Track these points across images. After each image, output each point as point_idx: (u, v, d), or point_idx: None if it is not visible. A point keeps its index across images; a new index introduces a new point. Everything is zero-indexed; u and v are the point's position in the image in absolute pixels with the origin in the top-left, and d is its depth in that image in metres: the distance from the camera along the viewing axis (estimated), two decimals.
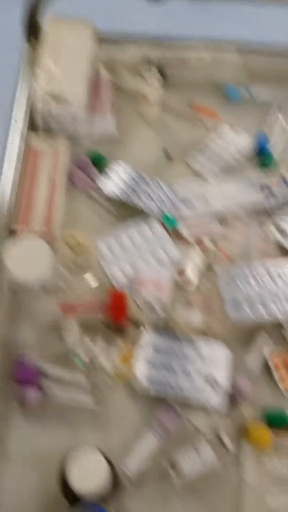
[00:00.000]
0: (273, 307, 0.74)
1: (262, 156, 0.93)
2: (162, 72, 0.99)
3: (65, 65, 0.88)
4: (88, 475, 0.54)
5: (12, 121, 0.88)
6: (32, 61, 0.92)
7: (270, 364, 0.72)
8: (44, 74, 0.86)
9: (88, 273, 0.75)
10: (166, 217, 0.84)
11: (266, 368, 0.73)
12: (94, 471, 0.54)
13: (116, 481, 0.58)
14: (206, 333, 0.75)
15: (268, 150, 0.93)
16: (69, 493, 0.56)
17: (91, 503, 0.53)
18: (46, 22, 0.93)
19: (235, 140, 0.94)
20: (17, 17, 0.94)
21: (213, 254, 0.82)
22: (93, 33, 0.94)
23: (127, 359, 0.69)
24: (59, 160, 0.85)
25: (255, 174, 0.90)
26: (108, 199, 0.85)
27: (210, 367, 0.71)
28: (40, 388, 0.68)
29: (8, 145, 0.85)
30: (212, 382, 0.70)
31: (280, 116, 0.97)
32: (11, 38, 1.05)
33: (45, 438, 0.66)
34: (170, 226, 0.83)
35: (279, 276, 0.78)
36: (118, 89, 0.99)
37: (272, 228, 0.84)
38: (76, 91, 0.86)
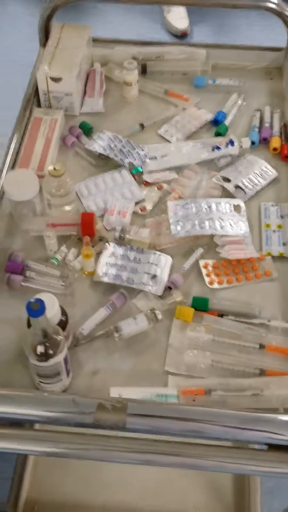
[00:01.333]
0: (206, 225, 0.96)
1: (218, 126, 1.16)
2: (144, 66, 1.25)
3: (63, 57, 1.16)
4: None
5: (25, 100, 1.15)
6: (42, 56, 1.20)
7: (200, 265, 0.94)
8: (46, 62, 1.14)
9: (67, 202, 0.99)
10: (135, 167, 1.08)
11: (199, 271, 0.94)
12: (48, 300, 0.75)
13: (65, 321, 0.80)
14: (154, 246, 0.97)
15: (222, 122, 1.16)
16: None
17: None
18: (54, 27, 1.22)
19: (198, 115, 1.18)
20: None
21: (168, 194, 1.05)
22: (89, 36, 1.22)
23: (88, 256, 0.92)
24: (54, 125, 1.11)
25: (210, 139, 1.13)
26: (91, 155, 1.11)
27: (154, 268, 0.93)
28: (24, 276, 0.91)
29: (18, 115, 1.12)
30: (153, 276, 0.92)
31: (236, 99, 1.21)
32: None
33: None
34: (136, 172, 1.07)
35: (216, 207, 1.00)
36: (109, 78, 1.26)
37: (219, 177, 1.06)
38: (69, 75, 1.13)
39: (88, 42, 1.22)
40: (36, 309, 0.67)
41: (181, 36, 2.38)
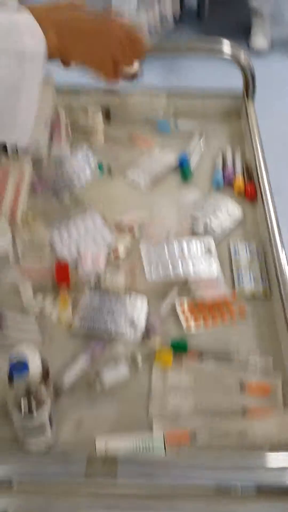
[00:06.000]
0: (180, 267, 0.98)
1: (182, 170, 1.20)
2: (107, 112, 1.29)
3: None
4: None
5: None
6: None
7: (177, 308, 0.95)
8: None
9: (40, 249, 1.00)
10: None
11: (176, 313, 0.96)
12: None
13: (47, 374, 0.79)
14: (129, 290, 0.98)
15: (187, 165, 1.20)
16: None
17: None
18: None
19: (163, 158, 1.22)
20: None
21: (140, 236, 1.07)
22: (54, 85, 1.25)
23: (65, 305, 0.92)
24: (23, 172, 1.12)
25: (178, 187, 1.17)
26: (60, 198, 1.12)
27: (130, 312, 0.94)
28: (1, 328, 0.91)
29: None
30: (131, 322, 0.93)
31: (198, 142, 1.26)
32: None
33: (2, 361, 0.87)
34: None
35: (188, 248, 1.02)
36: (74, 125, 1.28)
37: (188, 218, 1.09)
38: (37, 124, 1.14)
39: (53, 90, 1.25)
40: (19, 367, 0.66)
41: (132, 77, 2.47)
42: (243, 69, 1.25)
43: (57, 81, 1.27)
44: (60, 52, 0.77)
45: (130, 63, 0.86)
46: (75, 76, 1.88)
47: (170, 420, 0.82)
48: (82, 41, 0.78)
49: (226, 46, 1.23)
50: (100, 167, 1.14)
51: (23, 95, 0.73)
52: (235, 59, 1.23)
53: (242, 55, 1.23)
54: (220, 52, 1.22)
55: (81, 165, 1.16)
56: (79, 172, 1.14)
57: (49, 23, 0.74)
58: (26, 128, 0.79)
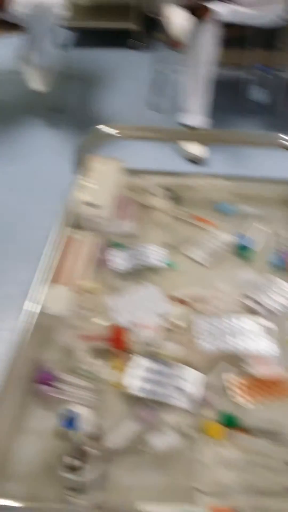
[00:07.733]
0: (234, 341, 0.98)
1: (241, 249, 1.23)
2: (173, 194, 1.36)
3: (99, 185, 1.27)
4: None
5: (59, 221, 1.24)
6: (77, 184, 1.32)
7: (230, 383, 0.94)
8: (84, 190, 1.25)
9: (98, 316, 1.04)
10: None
11: (229, 387, 0.95)
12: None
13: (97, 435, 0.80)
14: (184, 360, 0.99)
15: (246, 245, 1.24)
16: None
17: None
18: (90, 160, 1.35)
19: (222, 238, 1.26)
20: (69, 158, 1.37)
21: (196, 309, 1.09)
22: (121, 167, 1.35)
23: (118, 368, 0.94)
24: (88, 245, 1.19)
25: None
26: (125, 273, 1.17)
27: (183, 382, 0.94)
28: (55, 387, 0.93)
29: (53, 234, 1.21)
30: (183, 392, 0.92)
31: (257, 224, 1.30)
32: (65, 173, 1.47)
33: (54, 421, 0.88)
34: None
35: (245, 325, 1.03)
36: (140, 204, 1.36)
37: (246, 296, 1.11)
38: (104, 201, 1.23)
39: (121, 172, 1.35)
40: (70, 423, 0.68)
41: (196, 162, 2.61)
42: None
43: (128, 165, 1.38)
44: None
45: None
46: (143, 161, 2.02)
47: (214, 495, 0.79)
48: None
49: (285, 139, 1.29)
50: (172, 264, 1.20)
51: None
52: None
53: None
54: (281, 145, 1.28)
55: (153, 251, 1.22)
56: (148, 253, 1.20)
57: None
58: None
